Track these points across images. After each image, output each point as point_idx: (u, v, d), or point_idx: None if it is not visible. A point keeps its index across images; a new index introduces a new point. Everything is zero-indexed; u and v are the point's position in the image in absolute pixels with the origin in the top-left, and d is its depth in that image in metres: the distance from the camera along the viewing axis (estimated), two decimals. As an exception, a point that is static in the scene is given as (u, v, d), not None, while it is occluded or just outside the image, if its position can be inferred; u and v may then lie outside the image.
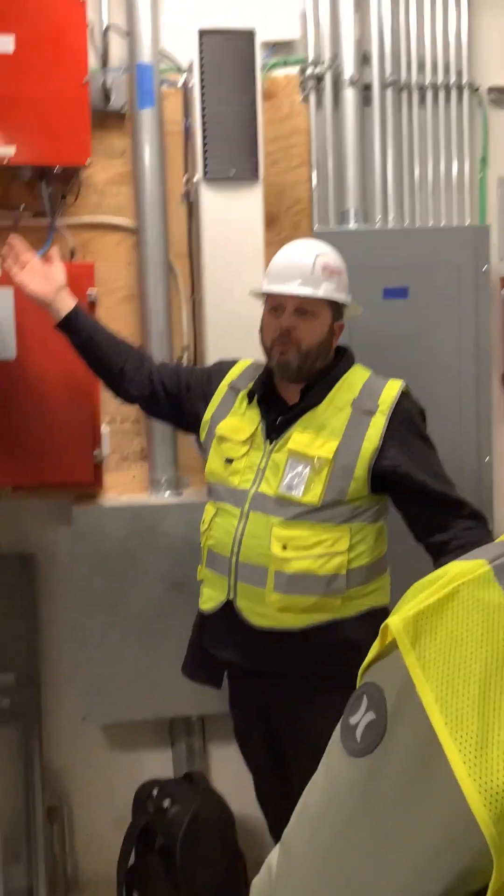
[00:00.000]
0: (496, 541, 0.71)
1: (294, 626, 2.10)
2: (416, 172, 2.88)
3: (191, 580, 2.33)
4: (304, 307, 2.14)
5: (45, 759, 2.80)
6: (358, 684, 0.69)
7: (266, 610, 2.10)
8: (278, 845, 0.72)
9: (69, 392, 2.60)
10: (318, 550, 2.08)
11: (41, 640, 2.81)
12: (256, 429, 2.18)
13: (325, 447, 2.09)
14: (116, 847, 2.63)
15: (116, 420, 2.81)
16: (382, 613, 2.18)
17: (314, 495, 2.08)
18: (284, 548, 2.08)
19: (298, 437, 2.12)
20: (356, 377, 2.19)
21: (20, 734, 2.76)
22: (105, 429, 2.74)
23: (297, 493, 2.09)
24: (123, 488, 2.83)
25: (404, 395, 2.14)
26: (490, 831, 0.58)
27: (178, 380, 2.32)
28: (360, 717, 0.66)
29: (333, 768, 0.67)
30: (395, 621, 0.64)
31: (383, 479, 2.10)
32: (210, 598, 2.20)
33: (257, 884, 0.73)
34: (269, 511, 2.11)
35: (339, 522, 2.10)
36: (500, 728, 0.60)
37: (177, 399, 2.32)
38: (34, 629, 2.79)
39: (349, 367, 2.20)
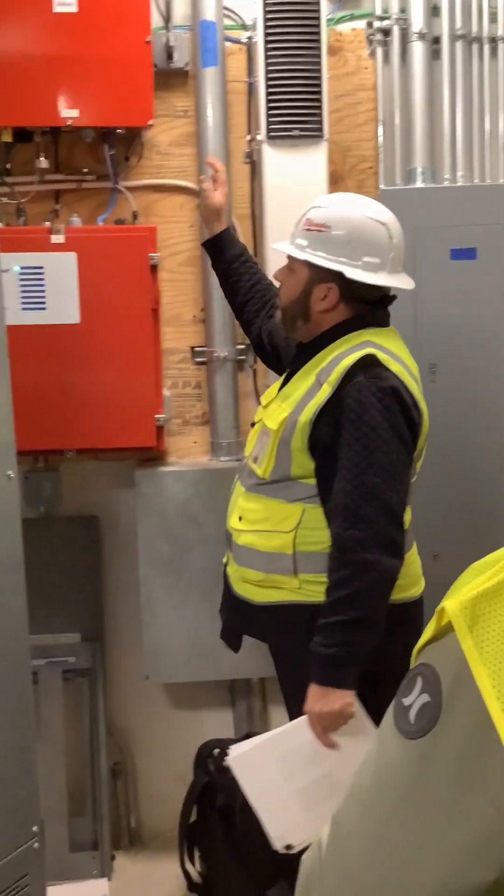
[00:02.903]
0: None
1: (254, 599, 2.07)
2: (487, 128, 2.79)
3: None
4: (289, 263, 2.05)
5: (110, 716, 2.86)
6: (412, 664, 0.67)
7: (236, 578, 2.11)
8: (329, 822, 0.71)
9: (132, 356, 2.60)
10: (265, 526, 2.01)
11: (105, 601, 2.86)
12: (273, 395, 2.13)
13: (277, 418, 1.99)
14: (178, 803, 2.67)
15: (178, 384, 2.81)
16: None
17: (264, 469, 2.01)
18: (240, 519, 2.07)
19: (271, 407, 2.06)
20: (343, 346, 1.97)
21: (85, 692, 2.82)
22: (167, 393, 2.74)
23: (258, 465, 2.04)
24: (185, 452, 2.84)
25: (359, 368, 1.89)
26: (546, 818, 0.57)
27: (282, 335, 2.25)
28: (415, 699, 0.65)
29: (386, 749, 0.66)
30: (451, 605, 0.63)
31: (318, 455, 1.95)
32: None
33: (307, 859, 0.73)
34: (243, 481, 2.11)
35: (290, 500, 1.99)
36: None
37: (280, 354, 2.29)
38: (98, 590, 2.84)
39: (342, 336, 1.98)
